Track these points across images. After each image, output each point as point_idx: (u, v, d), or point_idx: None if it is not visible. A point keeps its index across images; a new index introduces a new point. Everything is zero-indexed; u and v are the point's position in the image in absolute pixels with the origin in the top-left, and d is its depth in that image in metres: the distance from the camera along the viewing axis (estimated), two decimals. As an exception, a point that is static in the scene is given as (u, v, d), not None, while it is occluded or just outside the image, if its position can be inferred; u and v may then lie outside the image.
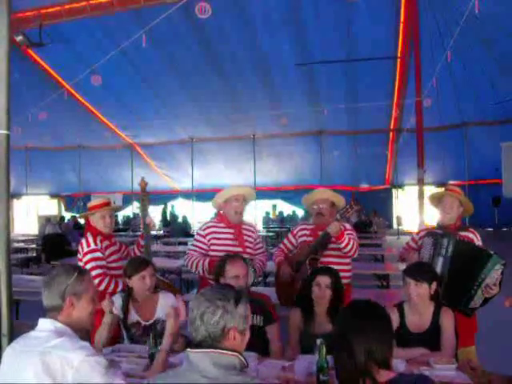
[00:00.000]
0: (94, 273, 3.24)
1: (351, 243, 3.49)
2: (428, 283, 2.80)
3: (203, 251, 3.65)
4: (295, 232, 3.84)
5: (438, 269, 3.21)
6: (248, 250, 3.69)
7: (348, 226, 3.63)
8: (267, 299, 3.10)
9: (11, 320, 2.13)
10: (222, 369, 1.51)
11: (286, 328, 3.14)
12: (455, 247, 3.22)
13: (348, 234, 3.50)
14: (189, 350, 1.58)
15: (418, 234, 3.74)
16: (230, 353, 1.56)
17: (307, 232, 3.75)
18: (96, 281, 3.22)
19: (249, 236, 3.78)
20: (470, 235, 3.44)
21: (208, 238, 3.66)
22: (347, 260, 3.61)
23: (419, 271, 2.84)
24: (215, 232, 3.68)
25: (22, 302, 5.71)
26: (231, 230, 3.68)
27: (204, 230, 3.73)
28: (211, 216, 17.57)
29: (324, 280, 2.98)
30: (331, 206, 3.69)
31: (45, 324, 1.89)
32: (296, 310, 3.14)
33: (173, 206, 18.65)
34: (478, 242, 3.43)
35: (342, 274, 3.50)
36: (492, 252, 3.13)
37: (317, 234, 3.63)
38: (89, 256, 3.35)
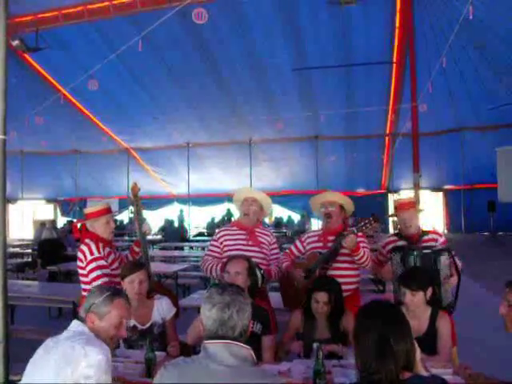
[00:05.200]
0: (100, 281, 3.22)
1: (366, 255, 3.46)
2: (423, 290, 2.81)
3: (217, 254, 3.74)
4: (303, 239, 3.83)
5: None
6: (264, 251, 3.75)
7: (360, 233, 3.54)
8: (271, 311, 3.11)
9: (7, 326, 2.12)
10: (239, 359, 1.62)
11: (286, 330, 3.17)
12: (422, 260, 3.28)
13: (362, 245, 3.47)
14: (207, 341, 1.67)
15: (384, 247, 3.79)
16: (245, 346, 1.68)
17: (315, 238, 3.73)
18: None
19: (263, 238, 3.81)
20: (435, 236, 3.57)
21: (220, 240, 3.77)
22: (356, 266, 3.58)
23: (414, 280, 2.83)
24: (227, 235, 3.79)
25: (17, 307, 5.69)
26: (244, 232, 3.75)
27: (217, 234, 3.87)
28: (207, 221, 17.72)
29: (322, 297, 3.02)
30: (340, 210, 3.67)
31: (75, 324, 2.05)
32: (298, 311, 3.17)
33: (181, 211, 18.62)
34: (441, 239, 3.56)
35: (350, 280, 3.54)
36: (436, 249, 3.30)
37: (326, 239, 3.61)
38: (94, 264, 3.28)
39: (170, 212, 18.93)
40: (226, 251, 3.68)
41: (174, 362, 1.73)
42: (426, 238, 3.53)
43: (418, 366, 1.67)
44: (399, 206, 3.64)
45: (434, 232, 3.63)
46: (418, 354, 1.69)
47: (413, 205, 3.63)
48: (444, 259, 3.20)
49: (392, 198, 17.62)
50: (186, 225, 17.52)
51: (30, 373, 1.89)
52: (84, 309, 2.09)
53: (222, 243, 3.75)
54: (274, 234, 13.32)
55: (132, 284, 2.98)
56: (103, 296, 2.09)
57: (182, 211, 18.23)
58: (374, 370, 1.58)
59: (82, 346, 1.86)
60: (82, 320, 2.06)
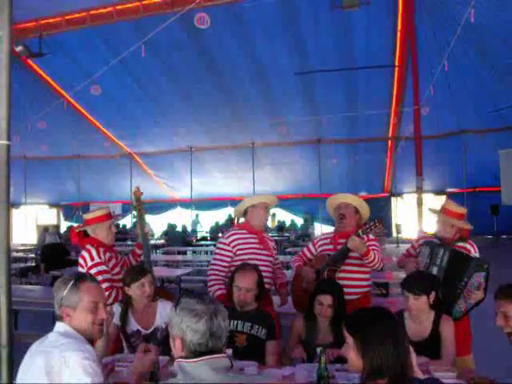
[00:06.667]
0: (102, 286, 3.22)
1: (376, 258, 3.41)
2: (426, 294, 2.80)
3: (228, 259, 3.60)
4: (316, 241, 3.81)
5: None
6: (273, 255, 3.75)
7: (371, 235, 3.52)
8: (276, 316, 3.11)
9: (11, 330, 2.12)
10: (220, 372, 1.53)
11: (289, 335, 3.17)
12: (450, 257, 3.25)
13: (372, 248, 3.43)
14: (183, 360, 1.56)
15: (417, 241, 3.77)
16: (222, 355, 1.58)
17: (327, 241, 3.71)
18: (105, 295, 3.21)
19: (269, 243, 3.82)
20: (468, 246, 3.46)
21: (233, 244, 3.63)
22: (367, 269, 3.55)
23: (416, 284, 2.82)
24: (239, 238, 3.66)
25: (21, 312, 5.69)
26: (255, 236, 3.69)
27: (227, 237, 3.70)
28: (210, 225, 17.84)
29: (325, 299, 3.00)
30: (354, 213, 3.64)
31: (58, 325, 1.97)
32: (300, 316, 3.16)
33: (197, 215, 19.08)
34: (474, 254, 3.44)
35: (360, 284, 3.52)
36: (474, 257, 3.22)
37: (337, 241, 3.59)
38: (94, 270, 3.27)
39: (173, 216, 19.01)
40: (239, 255, 3.59)
41: None
42: (460, 244, 3.43)
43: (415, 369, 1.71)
44: (444, 209, 3.58)
45: (471, 243, 3.51)
46: (414, 357, 1.74)
47: (455, 215, 3.52)
48: (481, 274, 3.08)
49: (395, 202, 17.64)
50: (198, 229, 18.08)
51: (20, 378, 1.84)
52: (57, 307, 1.98)
53: (234, 247, 3.61)
54: (277, 238, 13.23)
55: (143, 288, 2.99)
56: (68, 286, 1.96)
57: (197, 215, 18.81)
58: (395, 372, 1.60)
59: (61, 354, 1.78)
60: (60, 318, 1.96)
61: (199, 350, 1.55)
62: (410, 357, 1.67)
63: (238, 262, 3.48)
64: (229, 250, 3.62)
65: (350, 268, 3.49)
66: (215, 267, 3.62)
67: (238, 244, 3.63)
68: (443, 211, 3.57)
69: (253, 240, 3.67)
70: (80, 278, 2.03)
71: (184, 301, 1.63)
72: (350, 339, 1.72)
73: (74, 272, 2.11)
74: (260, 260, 3.53)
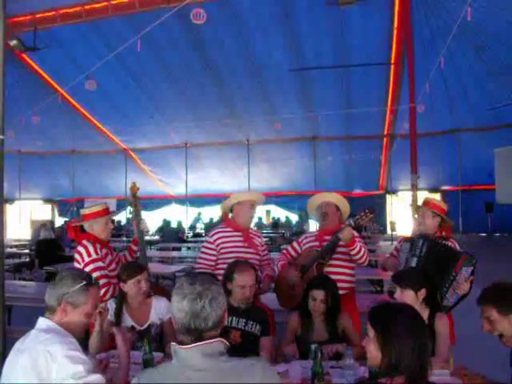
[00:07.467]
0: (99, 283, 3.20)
1: (362, 251, 3.46)
2: (414, 290, 2.80)
3: (213, 257, 3.64)
4: (300, 240, 3.83)
5: None
6: (259, 253, 3.74)
7: (355, 232, 3.55)
8: (270, 313, 3.13)
9: (4, 326, 2.10)
10: (213, 358, 1.54)
11: (283, 332, 3.17)
12: (429, 247, 3.29)
13: (358, 242, 3.47)
14: (178, 346, 1.58)
15: (399, 242, 3.81)
16: (214, 340, 1.58)
17: (312, 238, 3.74)
18: (102, 291, 3.19)
19: (256, 240, 3.81)
20: (449, 244, 3.47)
21: (217, 242, 3.66)
22: (353, 264, 3.59)
23: (405, 277, 2.85)
24: (224, 236, 3.69)
25: (14, 308, 5.67)
26: (239, 233, 3.69)
27: (212, 236, 3.74)
28: (205, 222, 17.82)
29: (318, 294, 3.01)
30: (336, 210, 3.68)
31: (40, 322, 1.95)
32: (295, 313, 3.17)
33: (199, 213, 19.17)
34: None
35: (345, 278, 3.54)
36: (463, 251, 3.26)
37: (322, 238, 3.61)
38: (92, 266, 3.25)
39: (168, 212, 18.97)
40: (223, 253, 3.63)
41: (147, 371, 1.69)
42: (441, 241, 3.45)
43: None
44: (426, 203, 3.62)
45: (452, 241, 3.54)
46: None
47: (436, 207, 3.57)
48: (468, 268, 3.14)
49: (390, 199, 17.69)
50: (200, 225, 18.26)
51: (5, 376, 1.83)
52: (55, 298, 1.95)
53: (218, 245, 3.66)
54: (272, 234, 13.26)
55: (139, 284, 2.99)
56: (78, 285, 1.95)
57: (200, 213, 19.03)
58: (413, 371, 1.60)
59: (46, 350, 1.77)
60: (53, 309, 1.95)
61: (186, 328, 1.57)
62: (430, 358, 1.66)
63: (222, 261, 3.53)
64: (213, 249, 3.66)
65: (336, 262, 3.53)
66: (200, 265, 3.67)
67: (222, 242, 3.66)
68: (424, 204, 3.63)
69: (237, 238, 3.68)
70: (91, 281, 2.05)
71: (181, 280, 1.66)
72: (371, 332, 1.71)
73: (82, 271, 2.11)
74: (244, 258, 3.52)
